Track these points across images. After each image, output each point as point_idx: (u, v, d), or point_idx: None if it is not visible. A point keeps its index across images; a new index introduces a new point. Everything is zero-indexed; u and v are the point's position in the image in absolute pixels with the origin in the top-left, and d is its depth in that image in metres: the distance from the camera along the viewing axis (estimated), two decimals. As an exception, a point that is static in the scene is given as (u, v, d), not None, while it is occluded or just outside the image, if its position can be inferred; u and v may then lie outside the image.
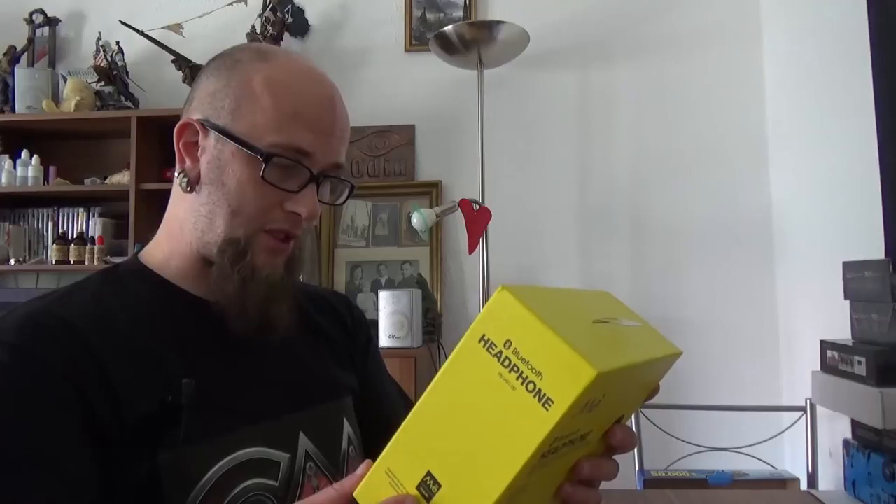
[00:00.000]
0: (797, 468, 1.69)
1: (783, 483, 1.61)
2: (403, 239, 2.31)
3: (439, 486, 0.49)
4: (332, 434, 0.76)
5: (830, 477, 1.59)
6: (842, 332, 1.31)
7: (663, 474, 1.55)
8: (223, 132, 0.69)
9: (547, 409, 0.45)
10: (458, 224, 2.15)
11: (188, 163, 0.71)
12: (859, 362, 1.17)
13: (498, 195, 2.17)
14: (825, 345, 1.30)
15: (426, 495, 0.49)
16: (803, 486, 1.61)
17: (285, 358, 0.77)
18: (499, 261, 2.14)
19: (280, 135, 0.68)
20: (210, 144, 0.70)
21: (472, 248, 1.95)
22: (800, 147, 1.97)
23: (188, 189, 0.71)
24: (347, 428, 0.79)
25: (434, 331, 2.13)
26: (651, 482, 1.53)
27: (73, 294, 0.68)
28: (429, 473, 0.49)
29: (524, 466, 0.47)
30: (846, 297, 1.30)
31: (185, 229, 0.72)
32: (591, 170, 2.26)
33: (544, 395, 0.46)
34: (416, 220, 1.89)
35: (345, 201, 0.79)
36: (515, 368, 0.47)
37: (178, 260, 0.73)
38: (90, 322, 0.64)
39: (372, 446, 0.82)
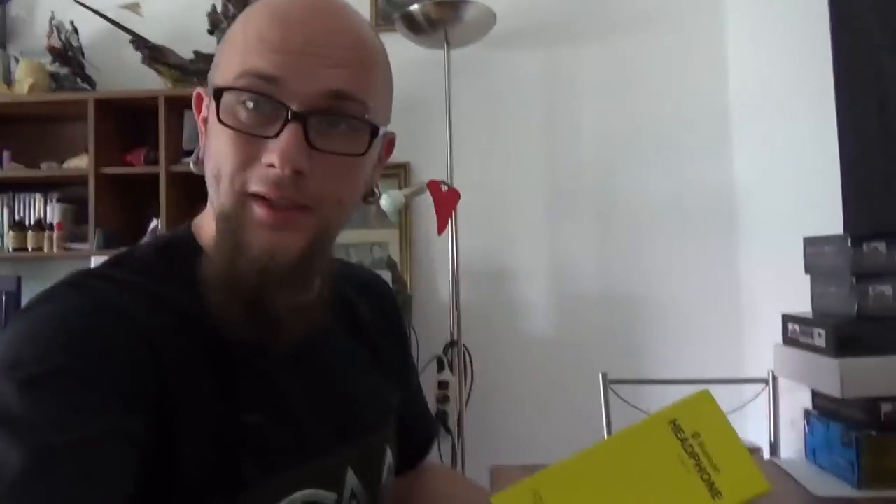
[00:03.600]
0: (760, 438, 1.74)
1: (750, 450, 1.65)
2: (372, 221, 2.30)
3: None
4: (375, 467, 0.69)
5: (792, 446, 1.64)
6: (802, 305, 1.34)
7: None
8: (209, 91, 0.59)
9: (714, 499, 0.52)
10: (426, 206, 2.15)
11: (203, 141, 0.62)
12: (819, 334, 1.21)
13: (466, 176, 2.16)
14: (786, 318, 1.33)
15: None
16: (766, 455, 1.66)
17: (333, 372, 0.67)
18: (468, 241, 2.15)
19: (241, 65, 0.56)
20: (207, 109, 0.61)
21: (441, 230, 1.95)
22: (762, 127, 2.00)
23: (199, 170, 0.62)
24: (389, 458, 0.72)
25: (404, 312, 2.13)
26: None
27: (128, 279, 0.58)
28: None
29: None
30: (806, 272, 1.33)
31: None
32: (558, 150, 2.27)
33: (716, 488, 0.52)
34: (384, 202, 1.88)
35: (365, 151, 0.58)
36: (696, 457, 0.53)
37: None
38: (153, 321, 0.54)
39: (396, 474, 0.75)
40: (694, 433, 0.54)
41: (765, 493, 0.52)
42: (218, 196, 0.58)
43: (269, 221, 0.56)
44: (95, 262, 2.08)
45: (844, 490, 1.09)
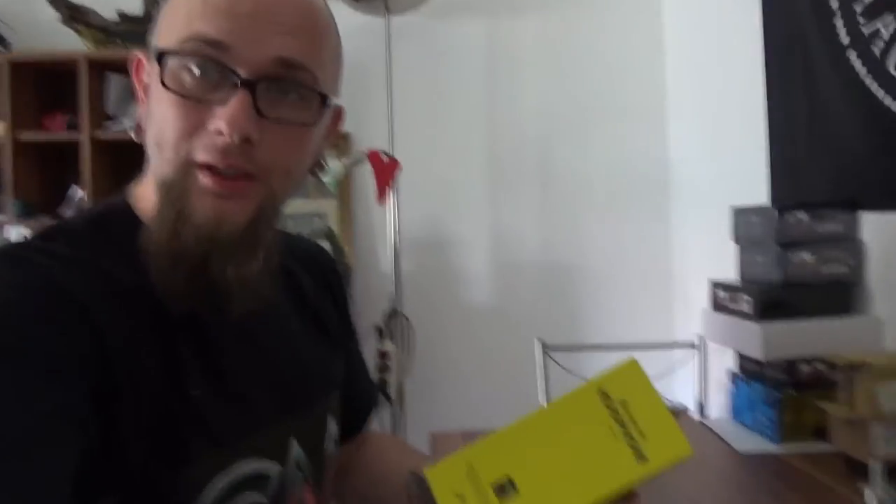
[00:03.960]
0: (687, 399, 1.83)
1: (676, 413, 1.73)
2: (312, 191, 2.26)
3: (517, 492, 0.55)
4: (319, 437, 0.68)
5: (718, 406, 1.73)
6: (730, 273, 1.40)
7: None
8: (152, 54, 0.56)
9: (639, 463, 0.54)
10: (367, 175, 2.12)
11: (143, 107, 0.59)
12: (745, 300, 1.26)
13: (407, 146, 2.14)
14: (715, 285, 1.39)
15: (500, 495, 0.55)
16: (694, 415, 1.74)
17: (278, 345, 0.66)
18: (409, 212, 2.14)
19: (187, 28, 0.53)
20: (148, 75, 0.58)
21: (381, 200, 1.93)
22: (696, 101, 2.06)
23: (140, 137, 0.59)
24: (332, 427, 0.71)
25: (346, 283, 2.11)
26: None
27: (70, 255, 0.55)
28: (509, 479, 0.56)
29: (600, 500, 0.55)
30: (734, 241, 1.39)
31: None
32: (499, 120, 2.27)
33: (642, 453, 0.54)
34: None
35: (315, 121, 0.58)
36: (623, 424, 0.55)
37: None
38: (97, 300, 0.52)
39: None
40: (621, 401, 0.56)
41: (688, 457, 0.55)
42: (160, 164, 0.56)
43: (215, 189, 0.54)
44: (12, 233, 1.97)
45: (766, 446, 1.15)
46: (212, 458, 0.56)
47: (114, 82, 2.09)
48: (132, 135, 0.64)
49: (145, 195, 0.61)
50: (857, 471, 0.98)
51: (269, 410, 0.63)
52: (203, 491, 0.56)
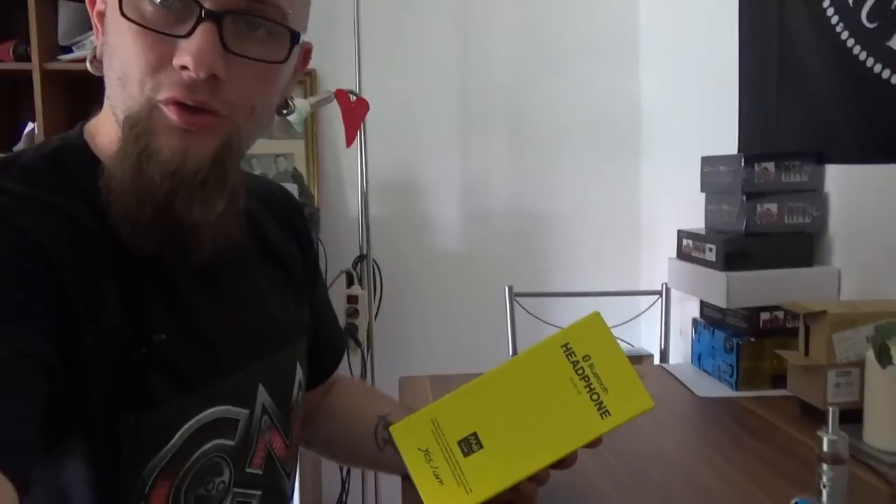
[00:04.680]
0: (652, 345, 1.87)
1: (639, 359, 1.77)
2: (276, 131, 2.20)
3: (481, 447, 0.56)
4: (286, 383, 0.69)
5: (680, 352, 1.77)
6: (697, 223, 1.41)
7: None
8: None
9: (603, 418, 0.55)
10: (334, 116, 2.07)
11: (99, 37, 0.57)
12: (710, 249, 1.28)
13: (376, 87, 2.09)
14: (681, 234, 1.40)
15: (465, 451, 0.56)
16: (656, 361, 1.79)
17: (243, 289, 0.66)
18: (377, 155, 2.10)
19: None
20: (106, 5, 0.56)
21: (349, 142, 1.89)
22: (669, 49, 2.04)
23: (97, 70, 0.57)
24: (299, 374, 0.71)
25: (312, 226, 2.09)
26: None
27: (24, 193, 0.53)
28: (474, 434, 0.56)
29: (565, 454, 0.56)
30: (702, 190, 1.40)
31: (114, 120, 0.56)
32: (471, 64, 2.22)
33: (605, 407, 0.55)
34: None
35: (284, 58, 0.56)
36: (587, 379, 0.56)
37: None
38: (55, 241, 0.50)
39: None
40: (585, 356, 0.57)
41: (649, 409, 0.56)
42: (123, 100, 0.54)
43: (181, 125, 0.53)
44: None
45: (724, 391, 1.19)
46: (177, 404, 0.56)
47: (65, 10, 1.97)
48: (89, 67, 0.60)
49: (104, 131, 0.59)
50: (809, 415, 1.02)
51: (234, 356, 0.62)
52: (169, 435, 0.56)
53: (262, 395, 0.64)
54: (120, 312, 0.53)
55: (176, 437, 0.56)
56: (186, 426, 0.57)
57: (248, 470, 0.63)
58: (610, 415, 0.56)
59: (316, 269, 0.82)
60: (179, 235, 0.55)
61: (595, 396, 0.56)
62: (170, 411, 0.56)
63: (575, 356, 0.57)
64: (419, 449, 0.57)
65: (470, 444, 0.57)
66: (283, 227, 0.76)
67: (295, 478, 0.73)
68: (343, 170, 2.20)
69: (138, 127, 0.53)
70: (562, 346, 0.57)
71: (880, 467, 0.84)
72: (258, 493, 0.65)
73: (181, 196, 0.53)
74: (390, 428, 0.59)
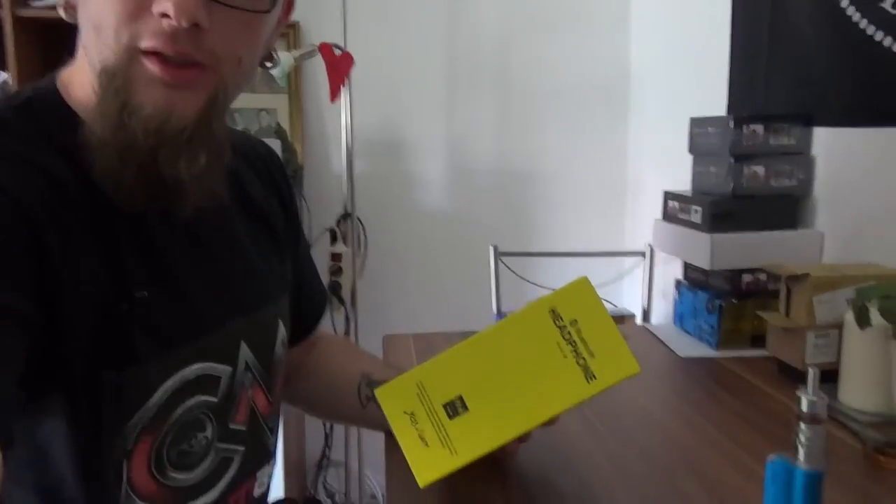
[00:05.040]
0: (634, 306, 1.89)
1: (622, 319, 1.79)
2: (259, 85, 2.15)
3: (466, 410, 0.56)
4: (269, 340, 0.69)
5: (662, 313, 1.79)
6: (683, 185, 1.41)
7: (518, 316, 1.67)
8: None
9: (588, 382, 0.55)
10: (318, 70, 2.02)
11: None
12: (696, 211, 1.28)
13: (361, 41, 2.04)
14: (668, 195, 1.40)
15: (450, 414, 0.57)
16: (639, 321, 1.81)
17: (225, 246, 0.65)
18: (362, 111, 2.06)
19: None
20: None
21: (333, 97, 1.85)
22: (659, 10, 2.00)
23: (71, 17, 0.54)
24: (282, 331, 0.71)
25: (295, 183, 2.06)
26: (507, 324, 1.64)
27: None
28: (460, 397, 0.57)
29: (550, 418, 0.56)
30: (690, 152, 1.39)
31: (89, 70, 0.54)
32: (460, 21, 2.17)
33: (591, 371, 0.55)
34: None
35: (269, 8, 0.54)
36: (573, 343, 0.56)
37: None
38: (32, 196, 0.49)
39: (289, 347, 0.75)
40: (572, 320, 0.57)
41: (635, 374, 0.57)
42: (99, 49, 0.51)
43: (164, 78, 0.51)
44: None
45: (705, 351, 1.21)
46: (159, 360, 0.56)
47: (37, -46, 1.89)
48: (61, 13, 0.57)
49: (78, 82, 0.57)
50: (788, 375, 1.04)
51: (217, 313, 0.61)
52: (150, 392, 0.55)
53: (245, 353, 0.64)
54: (100, 268, 0.52)
55: (158, 393, 0.55)
56: (168, 383, 0.56)
57: (232, 426, 0.63)
58: (595, 379, 0.56)
59: (298, 225, 0.81)
60: (164, 192, 0.54)
61: (581, 361, 0.56)
62: (151, 368, 0.55)
63: (562, 321, 0.57)
64: (404, 412, 0.58)
65: (455, 407, 0.57)
66: (264, 183, 0.74)
67: (278, 433, 0.74)
68: (327, 126, 2.16)
69: (117, 80, 0.51)
70: (549, 311, 0.57)
71: (854, 426, 0.86)
72: (241, 448, 0.65)
73: (165, 153, 0.52)
74: (375, 391, 0.59)
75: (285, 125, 2.14)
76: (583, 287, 0.58)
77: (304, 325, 0.84)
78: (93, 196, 0.53)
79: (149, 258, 0.57)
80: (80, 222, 0.52)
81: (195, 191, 0.55)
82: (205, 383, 0.60)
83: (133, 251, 0.56)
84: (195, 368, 0.58)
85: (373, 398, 0.72)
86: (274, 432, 0.72)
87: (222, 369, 0.61)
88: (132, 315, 0.54)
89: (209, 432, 0.60)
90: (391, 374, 0.78)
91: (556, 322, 0.57)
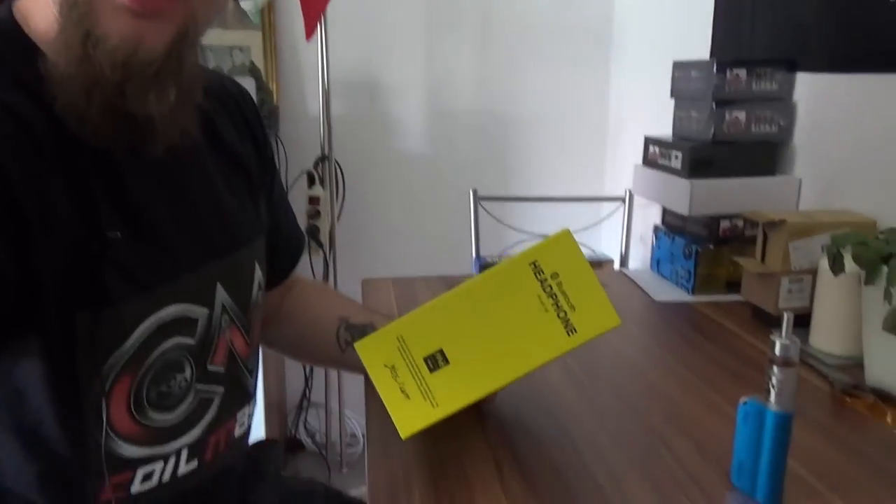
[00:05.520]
0: (612, 251, 1.90)
1: (599, 264, 1.81)
2: (231, 21, 2.07)
3: (447, 363, 0.56)
4: (245, 282, 0.68)
5: (639, 258, 1.81)
6: (664, 129, 1.40)
7: (497, 259, 1.68)
8: None
9: (569, 335, 0.55)
10: (293, 6, 1.95)
11: None
12: (676, 157, 1.28)
13: (337, -25, 1.96)
14: (648, 140, 1.39)
15: (431, 367, 0.57)
16: (616, 266, 1.83)
17: (199, 187, 0.63)
18: (339, 50, 2.01)
19: None
20: None
21: (309, 34, 1.79)
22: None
23: None
24: (258, 273, 0.70)
25: (270, 124, 2.01)
26: (486, 266, 1.65)
27: None
28: (440, 351, 0.57)
29: (531, 370, 0.56)
30: (672, 96, 1.38)
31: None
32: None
33: (572, 325, 0.56)
34: (245, -2, 1.67)
35: None
36: (554, 297, 0.56)
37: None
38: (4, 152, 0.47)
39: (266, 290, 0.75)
40: (553, 274, 0.56)
41: (616, 327, 0.57)
42: None
43: (132, 6, 0.48)
44: None
45: (681, 296, 1.22)
46: (134, 303, 0.55)
47: None
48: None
49: (37, 10, 0.53)
50: (761, 320, 1.06)
51: (191, 255, 0.60)
52: (126, 334, 0.55)
53: (221, 295, 0.64)
54: (70, 210, 0.51)
55: (134, 335, 0.55)
56: (144, 324, 0.56)
57: (210, 368, 0.63)
58: (576, 332, 0.57)
59: (272, 167, 0.79)
60: (132, 129, 0.52)
61: (562, 314, 0.57)
62: (126, 310, 0.55)
63: (543, 274, 0.57)
64: (385, 365, 0.58)
65: (436, 360, 0.58)
66: (237, 123, 0.72)
67: (258, 375, 0.74)
68: (303, 65, 2.10)
69: (79, 7, 0.48)
70: (530, 264, 0.57)
71: (823, 369, 0.89)
72: (221, 389, 0.65)
73: (133, 87, 0.49)
74: (355, 344, 0.59)
75: (259, 64, 2.07)
76: (565, 240, 0.57)
77: (280, 268, 0.83)
78: (58, 132, 0.51)
79: (119, 198, 0.55)
80: (46, 161, 0.50)
81: (165, 128, 0.53)
82: (182, 325, 0.59)
83: (103, 191, 0.54)
84: (171, 311, 0.58)
85: (351, 342, 0.74)
86: (253, 374, 0.72)
87: (199, 311, 0.61)
88: (104, 256, 0.53)
89: (188, 374, 0.60)
90: (369, 318, 0.79)
91: (538, 275, 0.57)
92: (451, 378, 0.57)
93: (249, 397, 0.72)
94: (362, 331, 0.76)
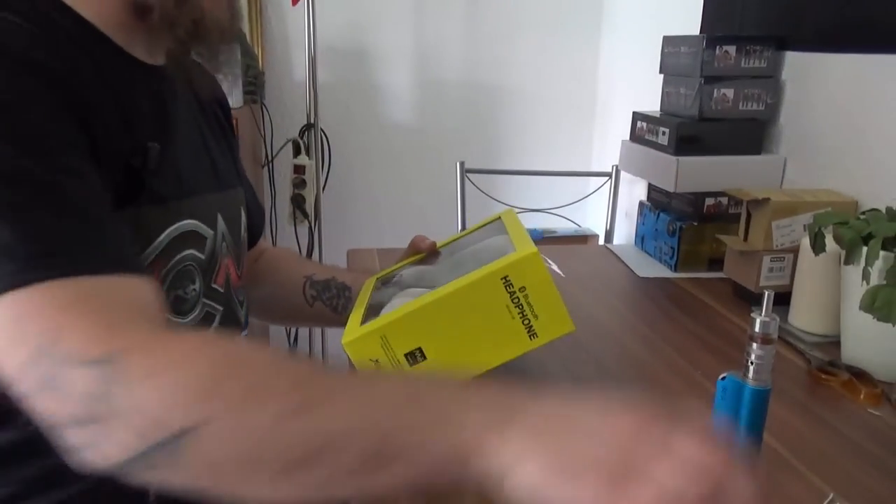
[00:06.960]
0: (598, 226, 1.91)
1: (585, 239, 1.82)
2: (216, -17, 2.02)
3: (425, 359, 0.66)
4: (236, 219, 0.75)
5: (624, 234, 1.82)
6: (652, 105, 1.40)
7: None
8: None
9: (531, 339, 0.66)
10: (279, -31, 1.91)
11: None
12: (663, 133, 1.28)
13: (325, -62, 1.92)
14: (636, 116, 1.39)
15: (411, 362, 0.66)
16: (601, 241, 1.84)
17: (204, 134, 0.72)
18: (326, 15, 1.97)
19: None
20: None
21: (295, 0, 1.76)
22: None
23: None
24: (244, 218, 0.77)
25: (256, 90, 1.98)
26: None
27: (27, 11, 0.54)
28: (419, 348, 0.66)
29: (496, 366, 0.66)
30: (661, 71, 1.37)
31: None
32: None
33: (534, 330, 0.66)
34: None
35: None
36: (521, 307, 0.65)
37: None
38: (63, 63, 0.53)
39: None
40: (521, 287, 0.66)
41: (571, 332, 0.67)
42: None
43: None
44: None
45: (663, 272, 1.23)
46: (164, 207, 0.62)
47: None
48: None
49: None
50: (742, 297, 1.08)
51: (199, 181, 0.68)
52: (158, 232, 0.61)
53: (221, 223, 0.70)
54: (118, 120, 0.57)
55: (162, 236, 0.61)
56: (170, 228, 0.62)
57: (213, 285, 0.69)
58: (537, 336, 0.66)
59: (235, 137, 0.85)
60: (177, 35, 0.60)
61: (527, 322, 0.66)
62: (159, 211, 0.61)
63: (512, 287, 0.65)
64: (370, 360, 0.66)
65: (415, 356, 0.66)
66: (208, 81, 0.78)
67: (246, 311, 0.78)
68: (289, 30, 2.06)
69: None
70: (501, 279, 0.65)
71: (801, 346, 0.90)
72: (220, 309, 0.70)
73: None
74: (343, 342, 0.66)
75: (244, 28, 2.03)
76: (533, 260, 0.66)
77: (252, 228, 0.86)
78: (106, 47, 0.58)
79: (157, 111, 0.63)
80: (98, 74, 0.56)
81: (214, 24, 0.62)
82: (195, 239, 0.65)
83: (142, 103, 0.61)
84: (188, 223, 0.64)
85: (318, 297, 0.87)
86: (243, 306, 0.77)
87: (206, 230, 0.67)
88: (145, 163, 0.59)
89: (198, 285, 0.66)
90: (330, 273, 0.89)
91: (508, 288, 0.65)
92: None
93: (242, 327, 0.77)
94: (325, 285, 0.88)
